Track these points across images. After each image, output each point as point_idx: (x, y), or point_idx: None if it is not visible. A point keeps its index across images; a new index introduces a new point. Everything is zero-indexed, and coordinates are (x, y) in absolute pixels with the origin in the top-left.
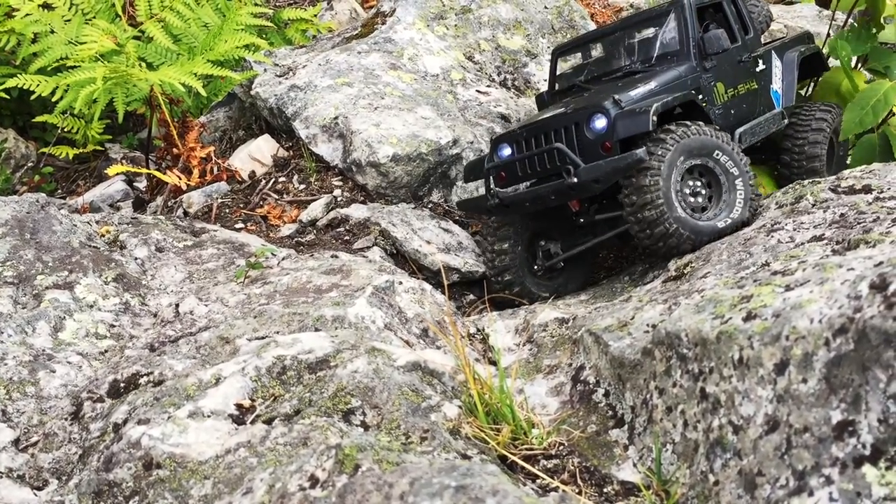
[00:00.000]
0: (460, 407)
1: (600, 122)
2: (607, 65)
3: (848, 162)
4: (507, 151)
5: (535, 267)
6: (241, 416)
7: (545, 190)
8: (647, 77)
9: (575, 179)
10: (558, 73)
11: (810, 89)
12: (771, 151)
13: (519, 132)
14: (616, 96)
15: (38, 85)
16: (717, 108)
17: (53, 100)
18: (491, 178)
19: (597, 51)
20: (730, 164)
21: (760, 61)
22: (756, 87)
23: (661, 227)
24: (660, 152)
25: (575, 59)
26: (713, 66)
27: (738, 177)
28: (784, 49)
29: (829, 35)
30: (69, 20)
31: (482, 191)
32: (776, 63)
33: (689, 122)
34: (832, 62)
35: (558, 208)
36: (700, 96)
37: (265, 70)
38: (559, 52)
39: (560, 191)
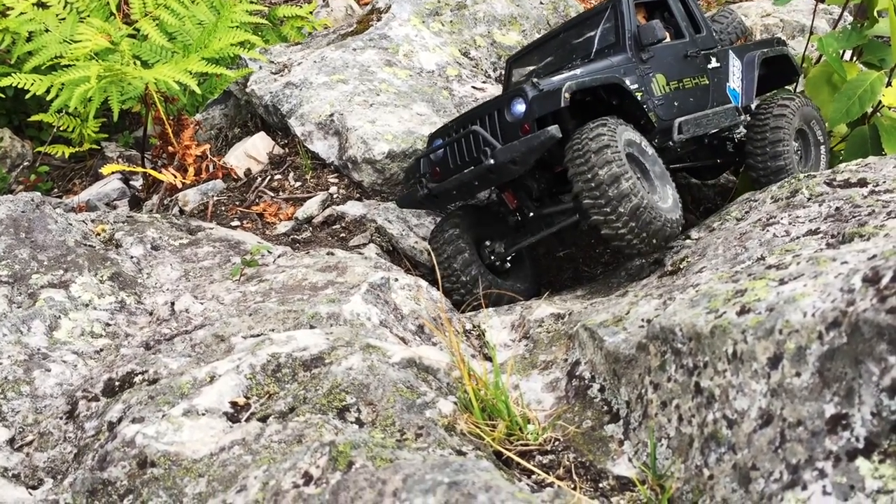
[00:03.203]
0: (455, 403)
1: (520, 107)
2: (553, 65)
3: (840, 156)
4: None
5: (493, 261)
6: (235, 413)
7: (468, 176)
8: (577, 67)
9: (492, 161)
10: (514, 80)
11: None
12: (743, 155)
13: (450, 125)
14: (535, 81)
15: (32, 83)
16: (656, 99)
17: (48, 98)
18: (422, 170)
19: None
20: (646, 145)
21: (714, 59)
22: (707, 82)
23: (645, 213)
24: (611, 144)
25: (532, 65)
26: (651, 57)
27: (651, 158)
28: (745, 50)
29: (812, 30)
30: (64, 19)
31: None
32: (734, 63)
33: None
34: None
35: (495, 210)
36: (635, 86)
37: (260, 67)
38: (513, 61)
39: (481, 175)
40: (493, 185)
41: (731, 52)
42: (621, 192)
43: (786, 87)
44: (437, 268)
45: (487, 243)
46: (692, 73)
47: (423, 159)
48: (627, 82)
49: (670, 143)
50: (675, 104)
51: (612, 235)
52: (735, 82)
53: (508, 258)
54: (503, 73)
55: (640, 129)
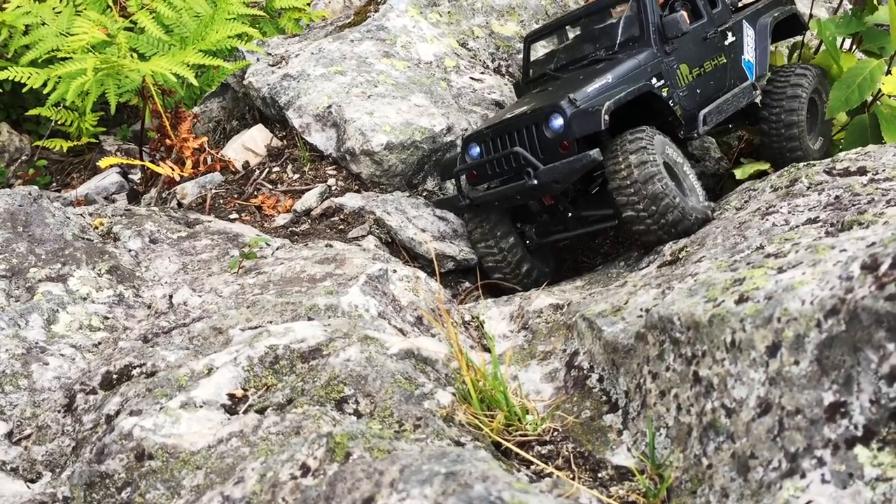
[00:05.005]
0: (454, 394)
1: (557, 122)
2: (575, 52)
3: (840, 145)
4: (476, 150)
5: (528, 245)
6: (233, 406)
7: (510, 190)
8: (606, 69)
9: (535, 181)
10: (532, 59)
11: (796, 57)
12: (754, 119)
13: (486, 132)
14: (571, 95)
15: (29, 77)
16: (680, 91)
17: (45, 92)
18: (461, 177)
19: (568, 36)
20: (677, 156)
21: (730, 34)
22: (725, 61)
23: (674, 212)
24: (648, 147)
25: (549, 43)
26: (675, 49)
27: (683, 164)
28: (757, 16)
29: (811, 17)
30: (60, 12)
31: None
32: (748, 32)
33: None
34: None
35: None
36: (661, 82)
37: (258, 59)
38: (531, 39)
39: (523, 191)
40: (535, 199)
41: (745, 22)
42: (654, 192)
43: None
44: (482, 252)
45: (518, 226)
46: (712, 54)
47: (460, 170)
48: (654, 82)
49: (695, 134)
50: (698, 92)
51: (642, 231)
52: (749, 53)
53: (534, 247)
54: (521, 50)
55: (667, 124)
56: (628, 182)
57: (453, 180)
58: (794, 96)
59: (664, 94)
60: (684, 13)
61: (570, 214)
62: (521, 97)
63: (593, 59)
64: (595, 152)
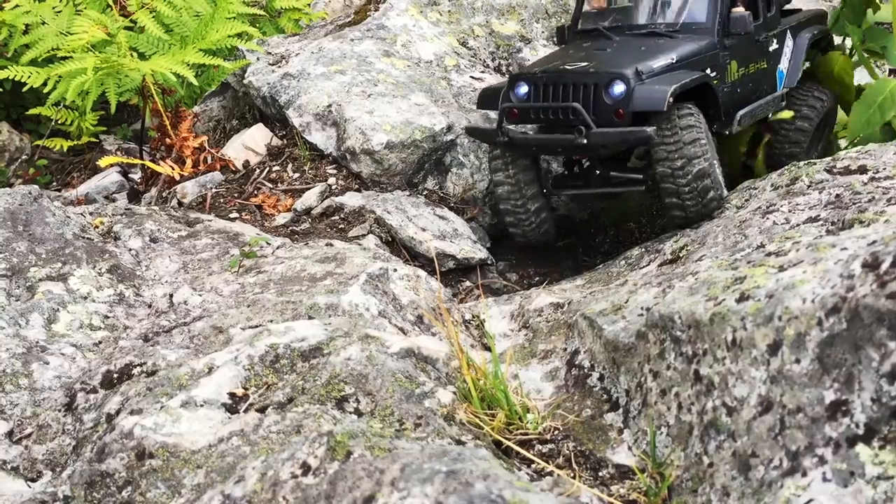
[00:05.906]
0: (454, 393)
1: (619, 89)
2: (633, 17)
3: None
4: (523, 90)
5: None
6: (233, 404)
7: (554, 141)
8: (668, 47)
9: (585, 141)
10: (584, 9)
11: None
12: (761, 122)
13: (539, 76)
14: (638, 67)
15: (29, 76)
16: (726, 86)
17: (45, 91)
18: (504, 115)
19: None
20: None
21: (775, 40)
22: (765, 66)
23: (712, 194)
24: (699, 126)
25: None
26: (732, 44)
27: (713, 151)
28: (799, 29)
29: None
30: (60, 11)
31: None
32: (788, 43)
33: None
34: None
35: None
36: (713, 73)
37: (258, 59)
38: None
39: (568, 146)
40: (574, 155)
41: (788, 32)
42: (700, 172)
43: None
44: (502, 195)
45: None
46: (757, 57)
47: (505, 108)
48: (709, 71)
49: (728, 132)
50: (738, 91)
51: (677, 206)
52: (784, 64)
53: (552, 195)
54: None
55: (708, 117)
56: (677, 159)
57: (486, 111)
58: (806, 116)
59: (714, 85)
60: (750, 14)
61: (597, 172)
62: (567, 46)
63: (652, 32)
64: (652, 130)
